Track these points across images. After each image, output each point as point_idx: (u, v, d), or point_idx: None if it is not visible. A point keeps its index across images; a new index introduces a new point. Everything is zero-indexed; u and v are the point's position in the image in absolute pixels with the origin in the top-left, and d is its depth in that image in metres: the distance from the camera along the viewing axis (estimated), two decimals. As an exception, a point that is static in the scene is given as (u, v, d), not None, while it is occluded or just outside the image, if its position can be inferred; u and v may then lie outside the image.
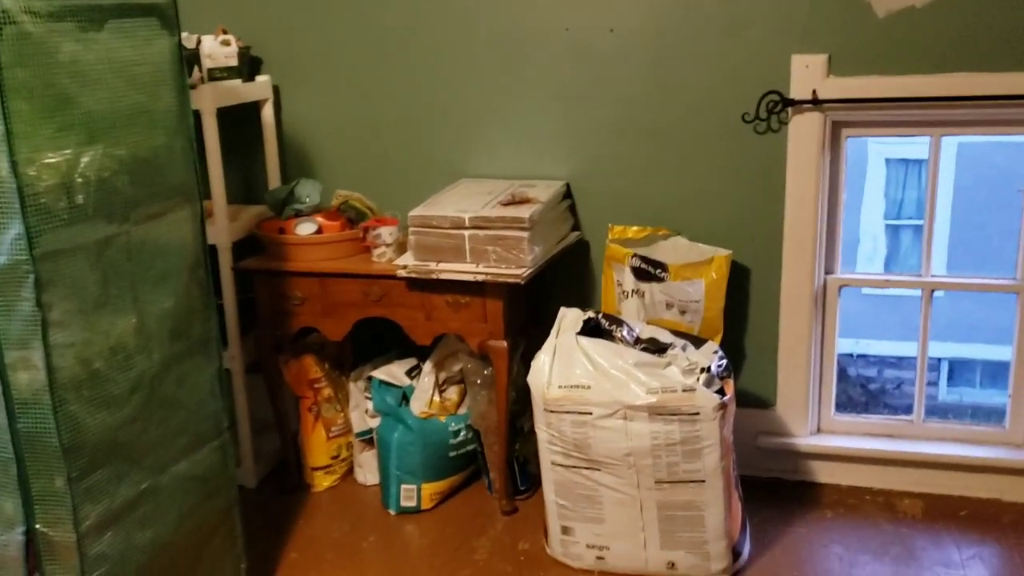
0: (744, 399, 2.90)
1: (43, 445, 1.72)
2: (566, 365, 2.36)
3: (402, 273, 2.59)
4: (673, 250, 2.76)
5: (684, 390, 2.26)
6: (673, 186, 2.83)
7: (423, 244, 2.58)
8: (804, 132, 2.66)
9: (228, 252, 2.83)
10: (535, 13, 2.81)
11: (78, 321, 1.75)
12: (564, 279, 2.96)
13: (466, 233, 2.52)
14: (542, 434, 2.41)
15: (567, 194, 2.89)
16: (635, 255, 2.70)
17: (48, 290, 1.66)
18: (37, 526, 1.77)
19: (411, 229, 2.58)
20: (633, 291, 2.71)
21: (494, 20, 2.84)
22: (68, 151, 1.68)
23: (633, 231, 2.79)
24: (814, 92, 2.60)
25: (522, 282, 2.50)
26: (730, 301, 2.74)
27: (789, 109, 2.65)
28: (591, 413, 2.31)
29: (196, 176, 2.06)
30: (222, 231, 2.81)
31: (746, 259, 2.81)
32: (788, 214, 2.74)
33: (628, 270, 2.71)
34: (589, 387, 2.32)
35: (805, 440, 2.88)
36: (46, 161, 1.64)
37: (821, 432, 2.92)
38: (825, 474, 2.90)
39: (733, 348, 2.86)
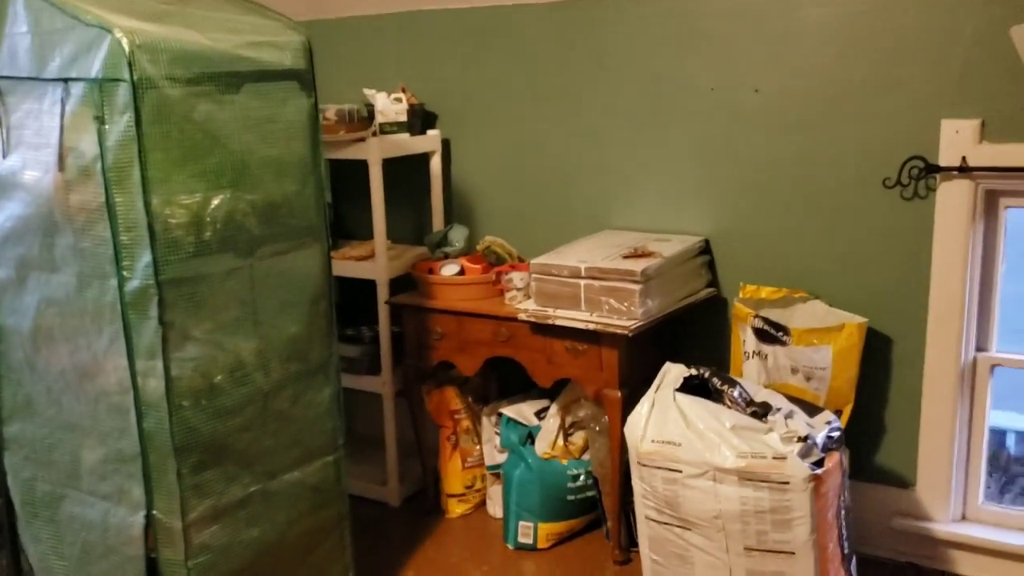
0: (880, 476, 2.75)
1: (161, 443, 2.02)
2: (661, 420, 2.38)
3: (522, 316, 2.73)
4: (810, 314, 2.69)
5: (775, 457, 2.21)
6: (813, 248, 2.76)
7: (543, 291, 2.70)
8: (952, 200, 2.51)
9: (386, 287, 3.11)
10: (683, 72, 2.87)
11: (201, 339, 2.05)
12: (699, 334, 2.96)
13: (582, 282, 2.61)
14: (637, 487, 2.44)
15: (704, 250, 2.90)
16: (758, 316, 2.66)
17: (171, 311, 1.97)
18: (154, 512, 2.07)
19: (533, 276, 2.72)
20: (755, 352, 2.67)
21: (644, 78, 2.93)
22: (198, 195, 1.99)
23: (767, 291, 2.75)
24: (963, 159, 2.46)
25: (630, 334, 2.55)
26: (867, 371, 2.63)
27: (936, 176, 2.52)
28: (681, 471, 2.31)
29: (325, 218, 2.32)
30: (381, 269, 3.09)
31: (888, 328, 2.68)
32: (934, 285, 2.59)
33: (751, 330, 2.67)
34: (680, 444, 2.32)
35: (946, 527, 2.67)
36: (178, 202, 1.95)
37: (966, 520, 2.69)
38: (968, 566, 2.67)
39: (868, 421, 2.72)
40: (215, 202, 2.02)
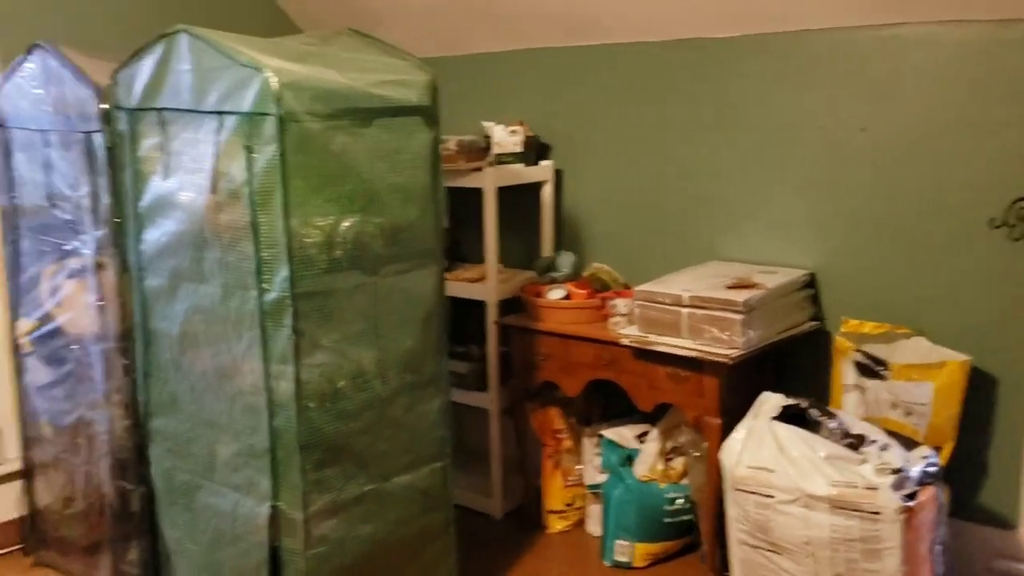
0: (981, 515, 2.74)
1: (289, 440, 2.23)
2: (756, 447, 2.45)
3: (625, 341, 2.84)
4: (912, 350, 2.70)
5: (866, 487, 2.25)
6: (917, 285, 2.78)
7: (646, 317, 2.81)
8: (1062, 240, 2.50)
9: (495, 308, 3.27)
10: (794, 110, 2.94)
11: (328, 347, 2.25)
12: (800, 366, 3.00)
13: (684, 311, 2.71)
14: (730, 511, 2.51)
15: (809, 284, 2.96)
16: (858, 350, 2.69)
17: (303, 321, 2.18)
18: (279, 503, 2.28)
19: (637, 302, 2.83)
20: (854, 385, 2.70)
21: (756, 115, 3.02)
22: (331, 217, 2.20)
23: (870, 327, 2.78)
24: (1074, 199, 2.45)
25: (731, 362, 2.63)
26: (970, 409, 2.62)
27: (1047, 216, 2.52)
28: (773, 496, 2.38)
29: (441, 242, 2.51)
30: (491, 290, 3.26)
31: (993, 368, 2.67)
32: (1042, 325, 2.57)
33: (851, 364, 2.71)
34: (773, 471, 2.38)
35: (1050, 572, 2.63)
36: (314, 224, 2.17)
37: (1071, 567, 2.64)
38: (1072, 615, 2.62)
39: (971, 459, 2.71)
40: (346, 224, 2.23)
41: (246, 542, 2.37)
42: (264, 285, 2.17)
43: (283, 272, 2.14)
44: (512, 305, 3.31)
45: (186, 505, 2.53)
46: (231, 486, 2.38)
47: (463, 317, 3.42)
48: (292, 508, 2.26)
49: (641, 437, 3.11)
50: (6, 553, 3.13)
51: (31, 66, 2.72)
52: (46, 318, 2.89)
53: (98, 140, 2.50)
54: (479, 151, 3.25)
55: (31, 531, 3.09)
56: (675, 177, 3.23)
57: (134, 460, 2.65)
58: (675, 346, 2.74)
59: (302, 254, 2.16)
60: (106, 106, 2.46)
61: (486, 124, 3.37)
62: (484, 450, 3.41)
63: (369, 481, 2.39)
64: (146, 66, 2.34)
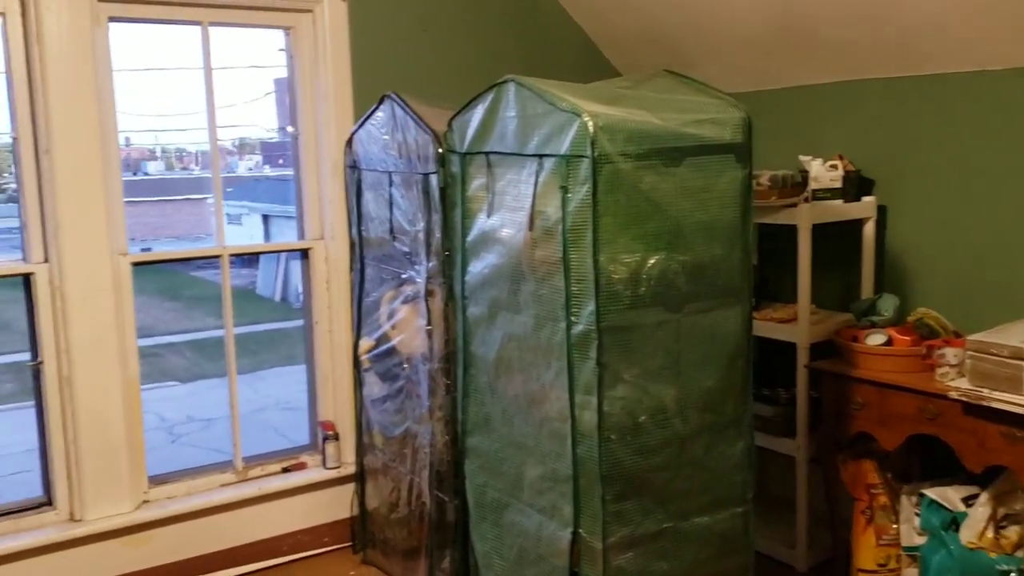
0: None
1: (590, 469, 2.30)
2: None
3: (954, 395, 2.61)
4: None
5: None
6: None
7: (979, 370, 2.56)
8: None
9: (806, 351, 3.15)
10: None
11: (630, 382, 2.30)
12: None
13: (1024, 365, 2.44)
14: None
15: None
16: None
17: (607, 354, 2.24)
18: (580, 530, 2.35)
19: (969, 353, 2.59)
20: None
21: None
22: (638, 254, 2.25)
23: None
24: None
25: (1080, 426, 2.32)
26: None
27: None
28: None
29: (749, 280, 2.47)
30: (802, 332, 3.15)
31: None
32: None
33: None
34: None
35: None
36: (621, 260, 2.23)
37: None
38: None
39: None
40: (651, 261, 2.27)
41: (548, 564, 2.47)
42: (572, 318, 2.26)
43: (590, 306, 2.22)
44: (824, 348, 3.16)
45: (495, 520, 2.69)
46: (536, 507, 2.50)
47: (770, 358, 3.32)
48: (592, 536, 2.33)
49: (968, 500, 2.82)
50: (339, 549, 3.50)
51: (380, 114, 3.07)
52: (383, 338, 3.22)
53: (434, 181, 2.76)
54: (793, 187, 3.16)
55: (361, 531, 3.44)
56: (1014, 217, 2.92)
57: (451, 474, 2.87)
58: (1013, 403, 2.47)
59: (609, 289, 2.23)
60: (442, 150, 2.72)
61: (803, 159, 3.27)
62: (789, 498, 3.28)
63: (667, 518, 2.40)
64: (477, 113, 2.55)
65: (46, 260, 2.97)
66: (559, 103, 2.24)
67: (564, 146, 2.21)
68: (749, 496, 2.55)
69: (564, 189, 2.22)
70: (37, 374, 3.02)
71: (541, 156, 2.29)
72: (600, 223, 2.19)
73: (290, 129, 3.50)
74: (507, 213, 2.47)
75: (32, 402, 3.09)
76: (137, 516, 3.13)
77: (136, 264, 3.13)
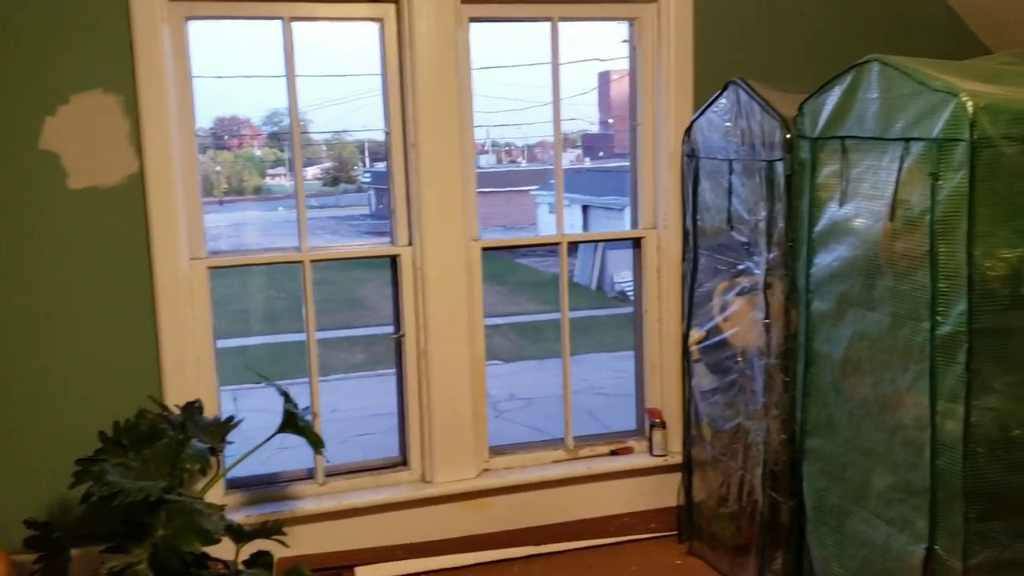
0: None
1: (951, 483, 2.11)
2: None
3: None
4: None
5: None
6: None
7: None
8: None
9: None
10: None
11: (1002, 391, 2.07)
12: None
13: None
14: None
15: None
16: None
17: (978, 359, 2.04)
18: (936, 547, 2.17)
19: None
20: None
21: None
22: (1019, 250, 2.02)
23: None
24: None
25: None
26: None
27: None
28: None
29: None
30: None
31: None
32: None
33: None
34: None
35: None
36: (998, 255, 2.01)
37: None
38: None
39: None
40: (1035, 258, 2.03)
41: (894, 578, 2.31)
42: (938, 318, 2.08)
43: (960, 305, 2.03)
44: None
45: (835, 527, 2.56)
46: (884, 519, 2.34)
47: None
48: (950, 555, 2.14)
49: None
50: (664, 536, 3.51)
51: (723, 101, 3.02)
52: (714, 330, 3.17)
53: (779, 168, 2.67)
54: None
55: (687, 521, 3.42)
56: None
57: (787, 474, 2.76)
58: None
59: (983, 287, 2.02)
60: (790, 136, 2.62)
61: None
62: None
63: (1042, 545, 2.14)
64: (833, 96, 2.43)
65: (410, 243, 3.26)
66: (931, 82, 2.06)
67: (936, 129, 2.03)
68: None
69: (934, 176, 2.05)
70: (399, 346, 3.34)
71: (907, 140, 2.13)
72: (976, 213, 1.99)
73: (630, 122, 3.56)
74: (863, 202, 2.33)
75: (383, 371, 3.40)
76: (479, 483, 3.35)
77: (484, 249, 3.34)
